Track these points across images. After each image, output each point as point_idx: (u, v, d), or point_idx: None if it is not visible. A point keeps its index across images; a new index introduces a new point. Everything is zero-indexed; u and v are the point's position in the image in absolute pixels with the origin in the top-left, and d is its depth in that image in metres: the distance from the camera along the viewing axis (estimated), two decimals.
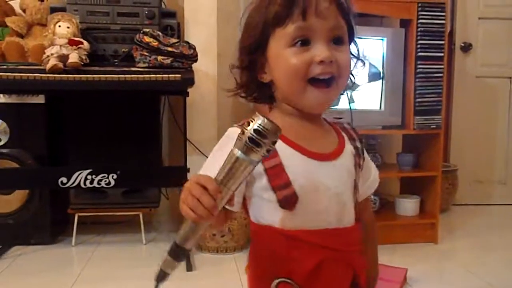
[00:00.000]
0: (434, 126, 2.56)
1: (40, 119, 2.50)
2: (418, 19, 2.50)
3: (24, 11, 2.68)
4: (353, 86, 0.88)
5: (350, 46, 0.84)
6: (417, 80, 2.53)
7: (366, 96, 2.58)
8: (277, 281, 0.78)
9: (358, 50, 0.86)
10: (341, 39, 0.79)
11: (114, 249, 2.52)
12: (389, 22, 2.75)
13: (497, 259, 2.44)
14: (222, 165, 0.66)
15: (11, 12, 2.71)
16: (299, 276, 0.77)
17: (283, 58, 0.77)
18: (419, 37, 2.51)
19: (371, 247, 0.94)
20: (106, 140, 2.62)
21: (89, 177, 2.34)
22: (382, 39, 2.55)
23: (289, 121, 0.81)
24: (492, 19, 3.39)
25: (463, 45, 3.38)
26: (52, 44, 2.28)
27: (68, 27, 2.35)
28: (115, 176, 2.35)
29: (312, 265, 0.77)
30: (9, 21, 2.59)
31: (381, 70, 2.57)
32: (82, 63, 2.26)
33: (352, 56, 0.85)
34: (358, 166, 0.85)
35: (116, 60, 2.44)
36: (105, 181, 2.35)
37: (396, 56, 2.57)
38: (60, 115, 2.63)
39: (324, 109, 0.83)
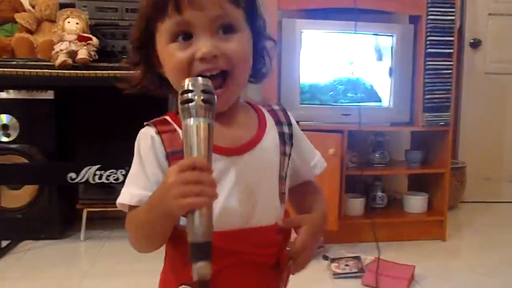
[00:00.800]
0: (443, 123, 2.55)
1: (49, 114, 2.52)
2: (427, 15, 2.49)
3: (33, 7, 2.68)
4: (267, 72, 0.81)
5: (255, 27, 0.77)
6: (426, 76, 2.52)
7: (374, 92, 2.58)
8: (181, 287, 0.73)
9: (263, 30, 0.79)
10: (231, 27, 0.71)
11: (122, 244, 2.53)
12: (399, 19, 2.73)
13: (505, 257, 2.43)
14: (188, 143, 0.63)
15: (20, 8, 2.71)
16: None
17: (167, 53, 0.73)
18: (428, 34, 2.49)
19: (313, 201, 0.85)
20: (114, 135, 2.63)
21: (97, 172, 2.35)
22: (392, 36, 2.54)
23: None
24: (502, 15, 3.35)
25: (472, 41, 3.35)
26: (61, 40, 2.29)
27: (77, 23, 2.35)
28: (123, 172, 2.36)
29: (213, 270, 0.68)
30: (18, 17, 2.59)
31: (390, 66, 2.55)
32: (91, 59, 2.27)
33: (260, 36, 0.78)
34: (283, 154, 0.77)
35: (124, 56, 2.44)
36: (114, 176, 2.36)
37: (405, 52, 2.55)
38: (69, 111, 2.65)
39: (223, 108, 0.73)
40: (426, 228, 2.65)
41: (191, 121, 0.63)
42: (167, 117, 0.77)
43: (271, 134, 0.77)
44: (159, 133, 0.73)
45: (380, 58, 2.56)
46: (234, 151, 0.73)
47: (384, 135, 2.75)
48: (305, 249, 0.76)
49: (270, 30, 0.82)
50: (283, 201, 0.77)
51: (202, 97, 0.63)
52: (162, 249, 0.76)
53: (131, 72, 2.45)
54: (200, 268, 0.61)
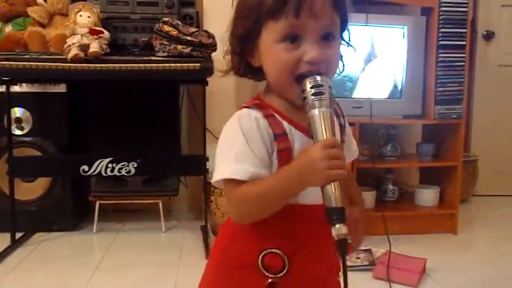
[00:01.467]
0: (455, 116, 2.53)
1: (62, 108, 2.54)
2: (440, 7, 2.47)
3: (45, 1, 2.70)
4: (341, 73, 0.89)
5: (343, 34, 0.85)
6: (438, 69, 2.50)
7: (385, 85, 2.56)
8: (264, 252, 0.81)
9: (349, 38, 0.87)
10: (331, 35, 0.79)
11: (134, 237, 2.56)
12: (410, 11, 2.71)
13: None
14: (319, 128, 0.73)
15: (32, 2, 2.72)
16: (288, 248, 0.81)
17: (273, 52, 0.78)
18: (441, 25, 2.47)
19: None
20: (126, 128, 2.65)
21: (110, 165, 2.37)
22: (403, 28, 2.52)
23: (284, 104, 0.83)
24: None
25: (485, 33, 3.32)
26: (73, 33, 2.30)
27: (89, 17, 2.36)
28: (135, 165, 2.38)
29: (305, 238, 0.82)
30: (30, 11, 2.61)
31: (402, 58, 2.54)
32: (103, 53, 2.28)
33: (344, 43, 0.86)
34: (342, 141, 0.87)
35: (136, 49, 2.45)
36: (126, 169, 2.38)
37: (417, 44, 2.53)
38: (81, 104, 2.67)
39: None
40: (437, 221, 2.64)
41: (319, 111, 0.74)
42: (259, 102, 0.83)
43: (336, 124, 0.84)
44: (265, 116, 0.79)
45: (391, 50, 2.54)
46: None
47: (396, 128, 2.73)
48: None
49: None
50: None
51: (330, 92, 0.75)
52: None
53: (146, 65, 2.42)
54: (339, 229, 0.71)
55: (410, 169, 3.00)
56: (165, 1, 2.52)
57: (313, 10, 0.75)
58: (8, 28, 2.67)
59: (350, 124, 2.42)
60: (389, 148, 2.69)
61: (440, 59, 2.49)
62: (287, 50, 0.77)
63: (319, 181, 0.72)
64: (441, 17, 2.47)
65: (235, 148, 0.78)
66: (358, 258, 2.18)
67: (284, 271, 0.81)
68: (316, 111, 0.75)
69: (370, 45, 2.52)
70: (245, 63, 0.84)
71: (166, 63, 2.26)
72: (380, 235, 2.39)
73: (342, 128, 0.88)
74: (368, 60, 2.52)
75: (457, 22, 2.48)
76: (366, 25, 2.44)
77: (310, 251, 0.83)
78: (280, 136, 0.79)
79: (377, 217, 2.43)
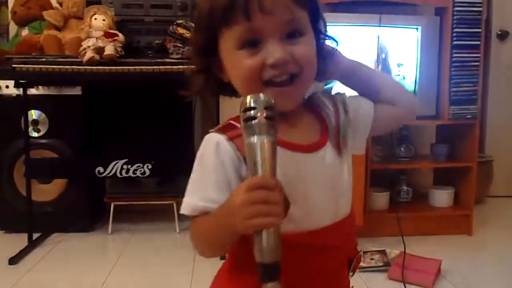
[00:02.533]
0: (469, 116, 2.52)
1: (77, 110, 2.57)
2: (454, 6, 2.45)
3: (60, 4, 2.74)
4: (331, 73, 0.80)
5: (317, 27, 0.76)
6: (452, 69, 2.49)
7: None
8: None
9: (325, 30, 0.78)
10: (298, 32, 0.71)
11: (148, 237, 2.58)
12: (424, 11, 2.70)
13: None
14: (252, 161, 0.62)
15: (48, 5, 2.77)
16: (295, 285, 0.69)
17: (234, 61, 0.72)
18: (455, 25, 2.46)
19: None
20: (140, 130, 2.67)
21: (124, 166, 2.39)
22: (417, 28, 2.51)
23: None
24: None
25: (499, 32, 3.29)
26: (88, 36, 2.33)
27: (103, 20, 2.39)
28: (150, 166, 2.40)
29: (309, 271, 0.73)
30: (46, 14, 2.65)
31: (415, 59, 2.53)
32: (118, 55, 2.30)
33: (322, 37, 0.77)
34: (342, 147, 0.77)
35: (150, 52, 2.47)
36: (140, 170, 2.41)
37: (431, 44, 2.52)
38: (96, 106, 2.70)
39: (292, 106, 0.74)
40: (452, 222, 2.62)
41: (254, 139, 0.62)
42: (233, 122, 0.73)
43: (331, 132, 0.77)
44: (230, 139, 0.71)
45: (405, 51, 2.54)
46: (311, 148, 0.73)
47: (409, 129, 2.72)
48: None
49: None
50: (351, 187, 0.78)
51: (265, 114, 0.62)
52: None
53: (160, 67, 2.43)
54: None
55: (425, 170, 2.98)
56: (179, 4, 2.54)
57: (263, 6, 0.67)
58: (25, 32, 2.72)
59: None
60: (402, 149, 2.68)
61: (454, 59, 2.48)
62: (248, 56, 0.70)
63: (242, 229, 0.62)
64: (455, 17, 2.46)
65: (192, 177, 0.73)
66: (373, 259, 2.18)
67: None
68: (251, 140, 0.63)
69: (384, 45, 2.51)
70: (216, 81, 0.77)
71: (180, 65, 2.28)
72: (394, 236, 2.38)
73: (345, 113, 0.79)
74: (382, 60, 2.52)
75: (471, 22, 2.46)
76: (380, 26, 2.44)
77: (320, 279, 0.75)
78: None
79: (391, 218, 2.42)
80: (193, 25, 2.43)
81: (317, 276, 0.73)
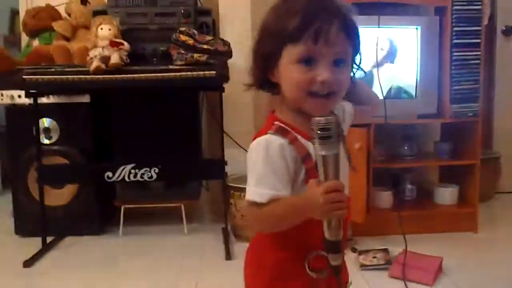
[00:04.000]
0: (471, 114, 2.53)
1: (87, 117, 2.65)
2: (453, 5, 2.47)
3: (69, 15, 2.83)
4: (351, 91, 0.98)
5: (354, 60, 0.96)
6: (453, 67, 2.51)
7: (401, 85, 2.58)
8: (312, 255, 0.92)
9: (360, 63, 0.98)
10: (343, 61, 0.90)
11: (158, 239, 2.65)
12: (424, 11, 2.72)
13: None
14: (326, 169, 0.84)
15: (57, 16, 2.86)
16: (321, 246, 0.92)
17: (290, 71, 0.89)
18: (454, 24, 2.48)
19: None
20: (148, 135, 2.75)
21: (132, 171, 2.47)
22: (417, 28, 2.53)
23: (298, 117, 0.93)
24: None
25: (504, 28, 3.28)
26: (95, 46, 2.40)
27: (109, 29, 2.46)
28: (157, 170, 2.47)
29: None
30: (56, 25, 2.74)
31: (416, 59, 2.55)
32: (123, 63, 2.38)
33: (355, 68, 0.97)
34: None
35: (155, 59, 2.54)
36: (148, 174, 2.48)
37: (431, 44, 2.54)
38: (105, 113, 2.78)
39: (323, 113, 0.90)
40: (457, 220, 2.64)
41: (329, 153, 0.84)
42: (282, 125, 0.92)
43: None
44: (290, 143, 0.90)
45: (406, 51, 2.56)
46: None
47: (413, 128, 2.74)
48: None
49: None
50: (351, 171, 0.99)
51: (337, 134, 0.84)
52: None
53: (164, 74, 2.54)
54: (334, 259, 0.87)
55: (429, 168, 3.00)
56: (182, 11, 2.60)
57: (328, 38, 0.86)
58: (36, 43, 2.81)
59: (365, 125, 2.46)
60: (406, 147, 2.70)
61: (454, 57, 2.49)
62: (303, 71, 0.88)
63: (321, 217, 0.86)
64: (454, 16, 2.47)
65: (258, 171, 0.90)
66: (375, 257, 2.21)
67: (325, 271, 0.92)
68: (323, 152, 0.84)
69: (384, 46, 2.54)
70: (265, 78, 0.96)
71: (183, 71, 2.34)
72: (397, 234, 2.41)
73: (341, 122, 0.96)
74: (382, 61, 2.54)
75: (471, 20, 2.48)
76: (379, 27, 2.47)
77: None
78: (306, 158, 0.90)
79: (395, 216, 2.45)
80: (195, 32, 2.51)
81: None
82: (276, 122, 0.93)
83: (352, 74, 0.97)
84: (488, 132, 3.34)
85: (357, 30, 0.92)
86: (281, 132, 0.91)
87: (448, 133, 2.84)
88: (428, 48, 2.54)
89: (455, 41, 2.49)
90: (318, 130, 0.83)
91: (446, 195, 2.68)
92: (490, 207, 3.04)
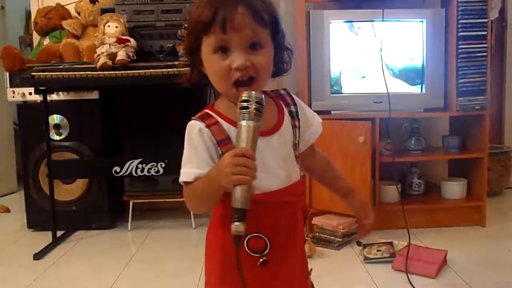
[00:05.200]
0: (478, 107, 2.51)
1: (96, 113, 2.71)
2: None
3: (78, 13, 2.88)
4: (283, 71, 1.01)
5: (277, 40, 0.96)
6: (459, 60, 2.49)
7: (406, 79, 2.57)
8: (248, 236, 0.93)
9: (283, 43, 0.99)
10: (257, 44, 0.92)
11: (166, 233, 2.69)
12: (430, 3, 2.71)
13: None
14: (240, 137, 0.85)
15: (67, 15, 2.92)
16: (266, 230, 0.95)
17: (209, 62, 0.93)
18: (460, 16, 2.46)
19: (333, 173, 1.13)
20: (156, 130, 2.79)
21: (139, 166, 2.51)
22: (422, 21, 2.52)
23: (230, 106, 0.95)
24: None
25: None
26: (102, 43, 2.46)
27: (116, 27, 2.51)
28: (163, 165, 2.51)
29: (274, 220, 0.95)
30: (65, 24, 2.80)
31: (421, 51, 2.55)
32: (129, 60, 2.42)
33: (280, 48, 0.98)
34: (294, 127, 1.00)
35: (161, 56, 2.58)
36: (155, 169, 2.52)
37: (437, 36, 2.53)
38: (113, 109, 2.83)
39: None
40: (465, 214, 2.62)
41: (244, 122, 0.86)
42: (208, 111, 0.96)
43: (286, 117, 1.00)
44: (207, 126, 0.93)
45: (411, 44, 2.55)
46: (268, 132, 0.95)
47: (419, 122, 2.73)
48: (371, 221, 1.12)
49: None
50: (298, 161, 1.01)
51: (254, 106, 0.86)
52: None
53: (168, 69, 2.62)
54: (236, 226, 0.84)
55: (438, 162, 2.98)
56: (188, 8, 2.64)
57: (235, 24, 0.89)
58: (46, 41, 2.87)
59: (369, 119, 2.45)
60: (413, 141, 2.69)
61: (460, 50, 2.48)
62: (219, 60, 0.91)
63: (226, 183, 0.85)
64: (460, 8, 2.45)
65: (185, 154, 0.96)
66: (379, 250, 2.21)
67: (267, 250, 0.95)
68: (239, 122, 0.87)
69: (390, 39, 2.53)
70: (199, 73, 0.99)
71: (188, 67, 2.36)
72: (403, 228, 2.41)
73: (292, 115, 1.01)
74: (389, 54, 2.54)
75: (477, 12, 2.46)
76: (383, 21, 2.47)
77: (284, 232, 0.97)
78: (223, 141, 0.93)
79: (401, 210, 2.44)
80: None
81: (278, 224, 0.97)
82: (205, 109, 0.97)
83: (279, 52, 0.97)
84: (498, 126, 3.31)
85: (269, 9, 0.93)
86: (202, 117, 0.95)
87: (456, 127, 2.82)
88: (434, 41, 2.53)
89: (461, 33, 2.47)
90: (240, 101, 0.86)
91: (454, 189, 2.66)
92: (499, 202, 3.00)
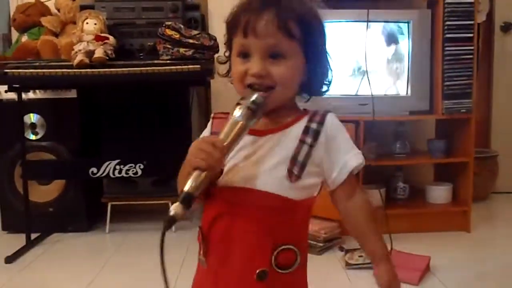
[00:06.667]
0: (464, 110, 2.47)
1: (74, 112, 2.63)
2: None
3: (58, 10, 2.81)
4: (324, 91, 0.97)
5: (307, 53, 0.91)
6: (445, 62, 2.45)
7: (391, 81, 2.53)
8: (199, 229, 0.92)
9: (321, 57, 0.94)
10: (278, 54, 0.89)
11: (144, 236, 2.61)
12: (416, 4, 2.67)
13: None
14: (222, 129, 0.85)
15: (47, 12, 2.85)
16: (204, 225, 0.92)
17: (233, 63, 0.94)
18: (446, 18, 2.42)
19: (363, 229, 0.94)
20: (137, 130, 2.71)
21: (117, 167, 2.44)
22: (408, 22, 2.48)
23: None
24: None
25: (503, 25, 3.22)
26: (80, 40, 2.39)
27: (95, 24, 2.45)
28: (142, 166, 2.44)
29: (212, 215, 0.90)
30: (44, 20, 2.73)
31: (407, 53, 2.50)
32: (108, 58, 2.35)
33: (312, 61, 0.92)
34: (302, 141, 0.90)
35: (141, 54, 2.51)
36: (133, 170, 2.45)
37: (423, 38, 2.49)
38: (92, 108, 2.75)
39: (266, 108, 0.90)
40: (450, 219, 2.58)
41: (231, 117, 0.85)
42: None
43: (298, 127, 0.91)
44: (214, 118, 0.99)
45: (396, 45, 2.51)
46: (259, 132, 0.92)
47: (404, 125, 2.69)
48: None
49: None
50: (293, 180, 0.89)
51: (248, 106, 0.85)
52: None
53: (147, 68, 2.56)
54: (175, 207, 0.80)
55: (423, 167, 2.94)
56: (170, 6, 2.58)
57: (256, 31, 0.87)
58: (24, 38, 2.80)
59: (353, 121, 2.40)
60: (398, 145, 2.64)
61: (446, 52, 2.44)
62: (239, 63, 0.91)
63: (187, 164, 0.84)
64: (446, 9, 2.42)
65: None
66: (361, 256, 2.16)
67: (202, 250, 0.92)
68: (231, 117, 0.86)
69: (375, 41, 2.49)
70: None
71: (167, 65, 2.31)
72: (391, 233, 2.36)
73: (308, 130, 0.90)
74: (373, 56, 2.49)
75: (463, 14, 2.42)
76: (369, 21, 2.42)
77: (223, 229, 0.89)
78: (216, 133, 0.91)
79: (383, 215, 2.40)
80: (182, 26, 2.48)
81: (214, 225, 0.90)
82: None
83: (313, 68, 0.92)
84: (485, 131, 3.28)
85: (305, 18, 0.89)
86: (220, 113, 0.98)
87: (442, 131, 2.78)
88: (419, 43, 2.48)
89: (447, 35, 2.43)
90: (240, 99, 0.87)
91: (439, 193, 2.62)
92: (485, 207, 2.97)
